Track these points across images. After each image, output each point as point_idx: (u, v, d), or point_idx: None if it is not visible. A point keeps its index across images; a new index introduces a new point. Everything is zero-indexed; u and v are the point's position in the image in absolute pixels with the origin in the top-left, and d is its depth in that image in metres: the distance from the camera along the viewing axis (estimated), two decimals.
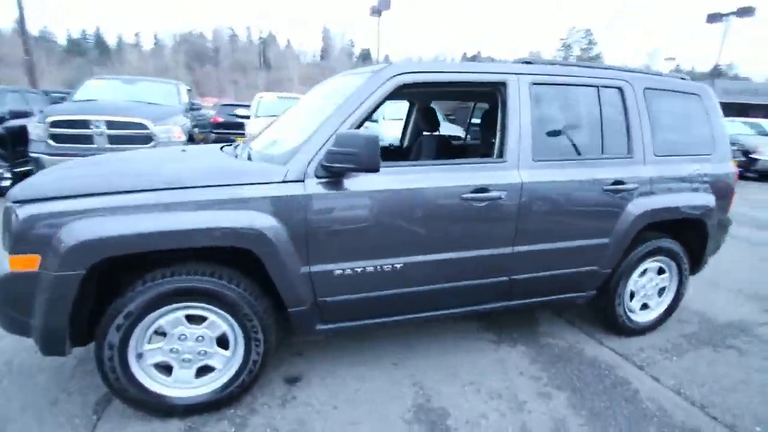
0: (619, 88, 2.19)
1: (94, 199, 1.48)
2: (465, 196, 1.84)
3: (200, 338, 1.67)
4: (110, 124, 5.25)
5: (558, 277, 2.16)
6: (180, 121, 5.99)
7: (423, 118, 3.03)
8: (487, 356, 2.26)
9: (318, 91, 2.43)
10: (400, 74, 1.81)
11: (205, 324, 1.67)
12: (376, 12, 17.08)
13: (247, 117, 7.39)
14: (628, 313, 2.44)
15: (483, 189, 1.87)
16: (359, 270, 1.78)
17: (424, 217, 1.81)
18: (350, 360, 2.16)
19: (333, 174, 1.68)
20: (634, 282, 2.41)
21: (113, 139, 5.30)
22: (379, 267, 1.80)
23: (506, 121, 1.95)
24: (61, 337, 1.53)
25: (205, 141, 7.69)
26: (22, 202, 1.47)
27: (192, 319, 1.66)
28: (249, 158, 1.93)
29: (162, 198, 1.51)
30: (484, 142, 2.57)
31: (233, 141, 9.70)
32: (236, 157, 1.98)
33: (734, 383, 2.10)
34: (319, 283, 1.74)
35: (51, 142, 5.11)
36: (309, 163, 1.68)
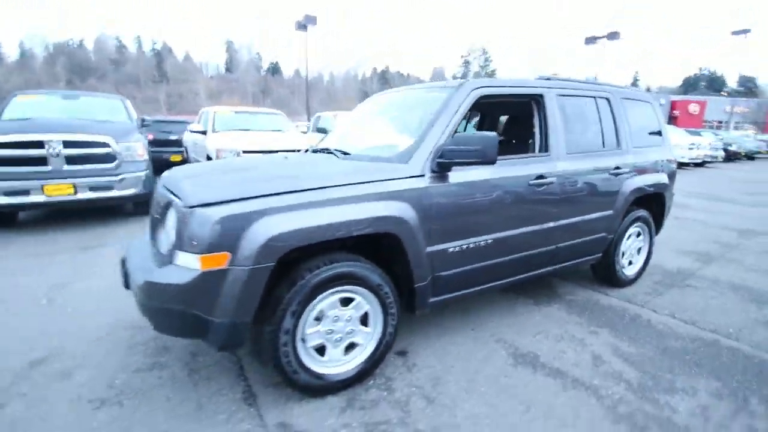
0: (607, 98, 2.92)
1: (275, 198, 1.65)
2: (531, 182, 2.35)
3: (349, 318, 1.90)
4: (67, 144, 4.79)
5: (583, 244, 2.78)
6: (140, 138, 5.66)
7: None
8: (535, 314, 2.78)
9: (388, 102, 2.79)
10: (478, 88, 2.27)
11: (352, 305, 1.91)
12: (302, 27, 17.27)
13: (204, 132, 7.11)
14: (622, 269, 3.18)
15: (541, 176, 2.40)
16: (464, 247, 2.16)
17: (506, 200, 2.28)
18: (437, 332, 2.51)
19: (443, 168, 2.05)
20: (624, 244, 3.15)
21: (71, 160, 4.83)
22: (475, 243, 2.21)
23: (547, 124, 2.52)
24: (245, 329, 1.65)
25: None
26: (203, 206, 1.59)
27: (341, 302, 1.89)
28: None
29: (333, 194, 1.75)
30: (519, 142, 3.15)
31: (168, 160, 9.14)
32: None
33: (702, 307, 2.91)
34: (436, 261, 2.08)
35: None
36: (426, 160, 2.03)
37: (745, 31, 22.02)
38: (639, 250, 3.32)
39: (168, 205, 1.75)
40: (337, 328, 1.88)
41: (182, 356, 2.23)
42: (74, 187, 4.83)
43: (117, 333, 2.49)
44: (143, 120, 6.65)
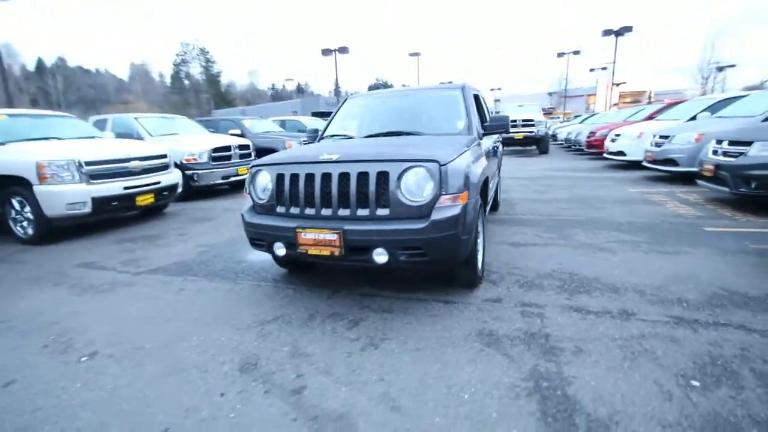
0: (476, 95, 4.91)
1: (463, 157, 2.54)
2: (494, 145, 3.99)
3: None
4: None
5: (496, 183, 4.71)
6: None
7: None
8: (494, 226, 4.50)
9: (406, 99, 3.73)
10: (472, 90, 3.67)
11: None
12: None
13: None
14: (499, 198, 5.36)
15: (497, 143, 4.08)
16: (491, 183, 3.57)
17: (494, 155, 3.82)
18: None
19: (482, 137, 3.38)
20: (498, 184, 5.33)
21: None
22: (492, 180, 3.66)
23: (483, 111, 4.21)
24: (471, 244, 2.50)
25: None
26: (449, 163, 2.34)
27: None
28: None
29: (477, 152, 2.78)
30: None
31: None
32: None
33: (537, 210, 5.44)
34: (487, 190, 3.40)
35: None
36: (478, 131, 3.30)
37: (418, 54, 31.84)
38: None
39: (406, 169, 2.30)
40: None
41: (359, 311, 2.62)
42: None
43: (268, 326, 2.47)
44: None
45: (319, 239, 2.37)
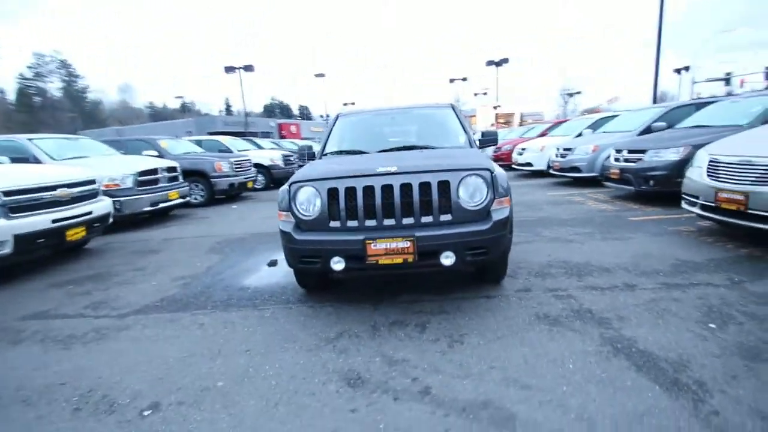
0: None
1: (495, 165, 2.89)
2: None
3: None
4: None
5: None
6: None
7: None
8: None
9: (404, 117, 3.90)
10: (456, 107, 4.08)
11: None
12: None
13: None
14: None
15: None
16: None
17: None
18: None
19: (481, 146, 3.80)
20: None
21: None
22: None
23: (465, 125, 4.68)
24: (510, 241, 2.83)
25: None
26: (495, 171, 2.64)
27: None
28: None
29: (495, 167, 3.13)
30: None
31: None
32: None
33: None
34: None
35: None
36: (477, 143, 3.70)
37: (322, 75, 32.37)
38: None
39: (462, 177, 2.53)
40: None
41: (416, 316, 2.73)
42: None
43: (339, 343, 2.43)
44: None
45: (391, 248, 2.44)
